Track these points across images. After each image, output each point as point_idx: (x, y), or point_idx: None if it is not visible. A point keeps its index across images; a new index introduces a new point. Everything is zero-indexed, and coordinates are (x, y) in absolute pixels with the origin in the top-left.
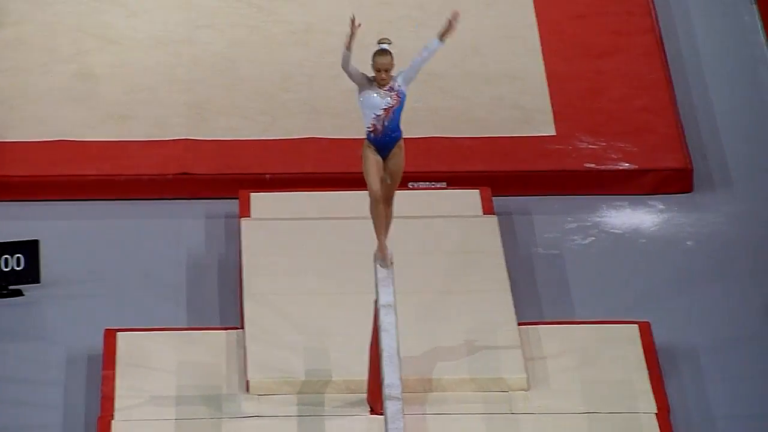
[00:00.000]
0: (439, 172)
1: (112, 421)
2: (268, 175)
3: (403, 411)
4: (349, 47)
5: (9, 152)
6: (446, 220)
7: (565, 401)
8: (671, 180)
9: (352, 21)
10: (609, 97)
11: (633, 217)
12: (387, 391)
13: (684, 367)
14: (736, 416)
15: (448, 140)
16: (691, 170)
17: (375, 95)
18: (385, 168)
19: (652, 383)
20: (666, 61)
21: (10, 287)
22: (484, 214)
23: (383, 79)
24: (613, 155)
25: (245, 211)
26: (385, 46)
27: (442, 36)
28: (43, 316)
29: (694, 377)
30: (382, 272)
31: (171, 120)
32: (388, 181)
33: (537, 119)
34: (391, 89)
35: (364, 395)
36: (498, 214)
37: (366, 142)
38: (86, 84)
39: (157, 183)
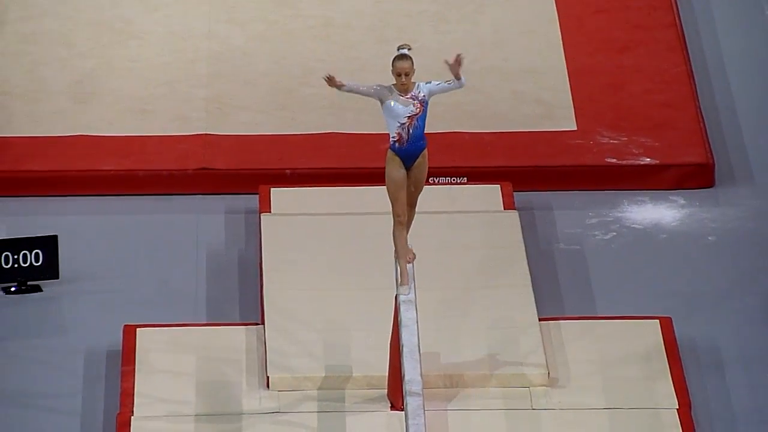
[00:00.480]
0: (460, 167)
1: (132, 417)
2: (288, 171)
3: (423, 407)
4: (340, 86)
5: (28, 147)
6: (467, 216)
7: (586, 397)
8: (693, 175)
9: (327, 81)
10: (630, 91)
11: (654, 213)
12: (407, 387)
13: (705, 362)
14: (757, 412)
15: (468, 135)
16: (713, 165)
17: (397, 104)
18: (408, 176)
19: (673, 379)
20: (688, 56)
21: (29, 283)
22: (505, 209)
23: (404, 84)
24: (634, 150)
25: (265, 207)
26: (405, 51)
27: (457, 75)
28: (62, 312)
29: (715, 373)
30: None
31: (190, 115)
32: (412, 189)
33: (558, 114)
34: (414, 97)
35: (385, 391)
36: (519, 210)
37: (390, 154)
38: (105, 79)
39: (177, 178)
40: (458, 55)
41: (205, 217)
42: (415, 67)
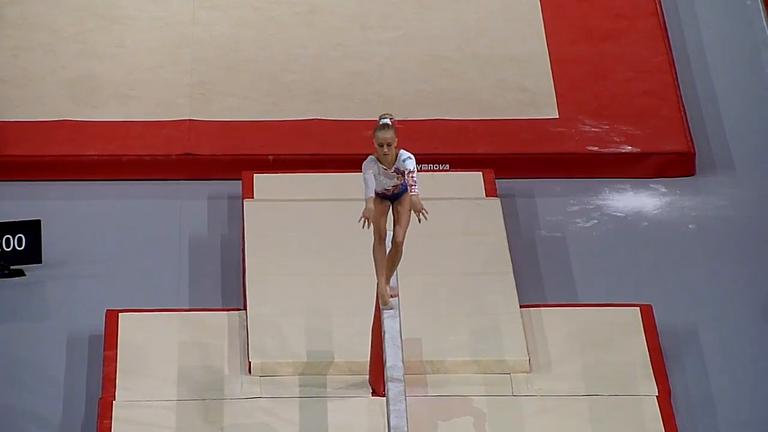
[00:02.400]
0: (443, 154)
1: (114, 402)
2: (271, 156)
3: (405, 393)
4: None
5: (12, 132)
6: (449, 203)
7: (566, 383)
8: (674, 163)
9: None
10: (612, 80)
11: (635, 200)
12: (389, 372)
13: (685, 350)
14: (737, 399)
15: (451, 122)
16: (694, 154)
17: (383, 177)
18: (392, 208)
19: (653, 366)
20: (669, 45)
21: (12, 267)
22: (486, 196)
23: (386, 154)
24: (615, 138)
25: (248, 192)
26: (386, 120)
27: (414, 199)
28: (45, 297)
29: (695, 360)
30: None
31: (174, 100)
32: (396, 221)
33: (540, 102)
34: (397, 171)
35: (366, 377)
36: (501, 197)
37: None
38: (89, 64)
39: (160, 163)
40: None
41: (189, 203)
42: (396, 136)
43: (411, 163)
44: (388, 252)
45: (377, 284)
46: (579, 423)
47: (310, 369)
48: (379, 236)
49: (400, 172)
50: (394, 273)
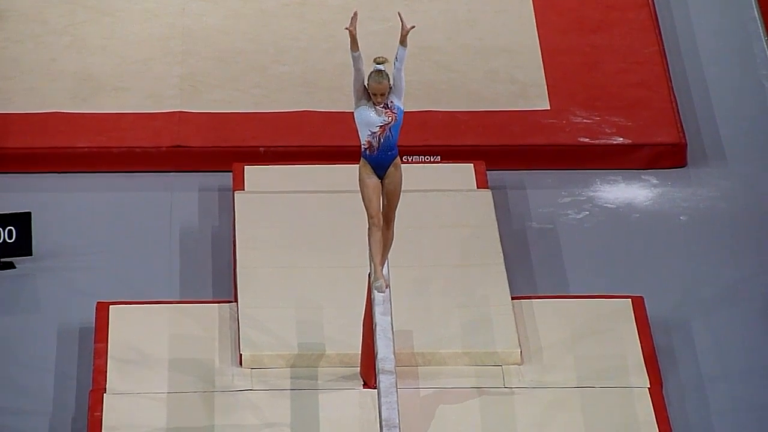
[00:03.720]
0: (434, 145)
1: (104, 395)
2: (262, 148)
3: (396, 385)
4: (354, 40)
5: (1, 124)
6: (440, 195)
7: (558, 375)
8: (665, 155)
9: (352, 20)
10: (603, 71)
11: (627, 192)
12: (380, 365)
13: (677, 341)
14: (728, 391)
15: (442, 114)
16: (685, 145)
17: (371, 112)
18: (381, 188)
19: (645, 358)
20: (660, 36)
21: (2, 260)
22: (478, 188)
23: (379, 102)
24: (607, 130)
25: (239, 184)
26: (380, 66)
27: (402, 40)
28: (35, 289)
29: (687, 351)
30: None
31: (164, 92)
32: (384, 202)
33: (531, 93)
34: (386, 106)
35: (358, 369)
36: (492, 189)
37: (362, 161)
38: (79, 56)
39: (151, 155)
40: (410, 27)
41: (179, 195)
42: (390, 82)
43: (394, 88)
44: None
45: (372, 268)
46: (570, 415)
47: (302, 361)
48: (371, 216)
49: (389, 107)
50: (386, 260)
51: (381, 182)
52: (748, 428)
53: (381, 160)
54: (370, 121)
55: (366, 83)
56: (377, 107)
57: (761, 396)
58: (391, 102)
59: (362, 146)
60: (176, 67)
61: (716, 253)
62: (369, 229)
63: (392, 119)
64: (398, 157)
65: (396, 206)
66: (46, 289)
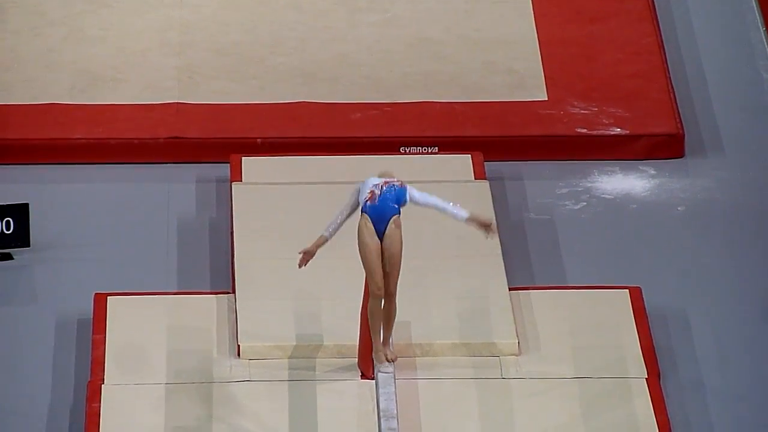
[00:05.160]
0: (431, 136)
1: (102, 386)
2: (259, 140)
3: (394, 376)
4: (324, 242)
5: None
6: (438, 185)
7: (555, 366)
8: (663, 145)
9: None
10: (601, 62)
11: (624, 183)
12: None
13: (674, 332)
14: (725, 381)
15: (440, 105)
16: (683, 136)
17: (372, 180)
18: (381, 251)
19: (642, 348)
20: (658, 26)
21: (0, 251)
22: (475, 179)
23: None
24: (604, 120)
25: (236, 176)
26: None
27: (471, 222)
28: (33, 280)
29: (684, 342)
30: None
31: (162, 84)
32: (387, 269)
33: (529, 84)
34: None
35: (356, 360)
36: (490, 179)
37: (361, 220)
38: (77, 47)
39: (148, 147)
40: (490, 226)
41: (177, 186)
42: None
43: (419, 194)
44: (382, 307)
45: (373, 345)
46: (568, 405)
47: (299, 352)
48: (376, 287)
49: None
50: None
51: (380, 244)
52: (746, 417)
53: (382, 212)
54: (372, 182)
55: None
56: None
57: (759, 385)
58: (402, 184)
59: (363, 199)
60: (174, 58)
61: (714, 243)
62: (369, 300)
63: (397, 182)
64: (398, 216)
65: (398, 277)
66: (44, 281)
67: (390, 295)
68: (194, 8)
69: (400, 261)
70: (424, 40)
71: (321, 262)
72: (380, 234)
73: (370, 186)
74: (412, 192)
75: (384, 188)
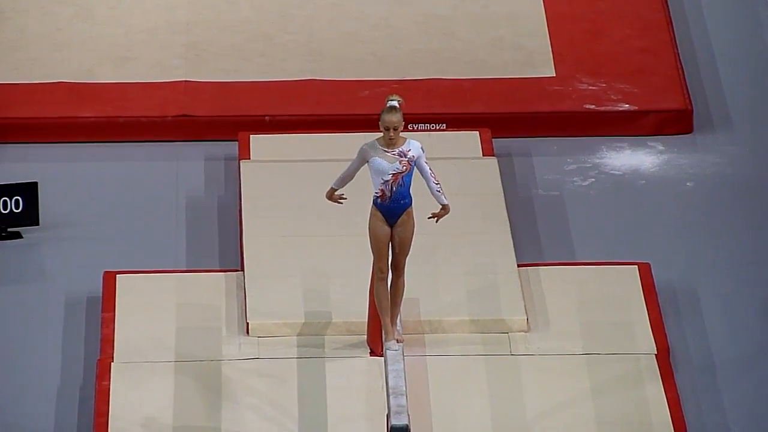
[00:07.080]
0: (439, 113)
1: (112, 364)
2: (267, 117)
3: (403, 352)
4: (334, 191)
5: (8, 94)
6: (446, 162)
7: (564, 342)
8: (671, 121)
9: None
10: (609, 38)
11: (633, 158)
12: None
13: (684, 307)
14: (735, 357)
15: (447, 82)
16: (691, 111)
17: (382, 160)
18: (392, 236)
19: (651, 324)
20: (666, 2)
21: (9, 230)
22: (483, 156)
23: (391, 139)
24: (613, 96)
25: (245, 153)
26: (394, 102)
27: (442, 210)
28: (42, 259)
29: (693, 318)
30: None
31: (170, 62)
32: (396, 250)
33: (537, 61)
34: (401, 154)
35: (364, 337)
36: (498, 156)
37: (372, 208)
38: (85, 26)
39: (157, 125)
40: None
41: (185, 164)
42: (403, 118)
43: (417, 148)
44: (390, 286)
45: (383, 325)
46: (577, 381)
47: (308, 329)
48: (380, 269)
49: (404, 155)
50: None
51: (391, 230)
52: (755, 393)
53: (393, 209)
54: (382, 169)
55: (379, 120)
56: (389, 153)
57: None
58: (409, 151)
59: (374, 194)
60: (182, 36)
61: (722, 218)
62: (375, 282)
63: (405, 168)
64: (411, 207)
65: (407, 255)
66: (53, 259)
67: (398, 270)
68: None
69: (410, 245)
70: (431, 17)
71: (329, 239)
72: (391, 224)
73: (378, 164)
74: (420, 161)
75: (394, 188)
